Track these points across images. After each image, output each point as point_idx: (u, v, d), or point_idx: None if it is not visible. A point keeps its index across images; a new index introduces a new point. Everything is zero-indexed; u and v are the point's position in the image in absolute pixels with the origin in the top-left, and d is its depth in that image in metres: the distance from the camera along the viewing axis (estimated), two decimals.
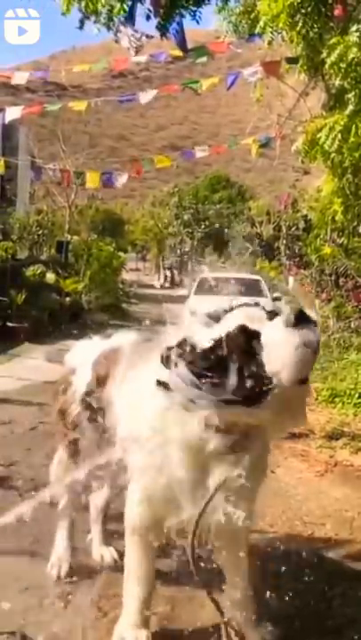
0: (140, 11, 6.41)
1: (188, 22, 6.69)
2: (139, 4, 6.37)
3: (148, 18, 6.47)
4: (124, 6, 6.19)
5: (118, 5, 6.11)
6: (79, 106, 8.92)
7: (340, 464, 4.67)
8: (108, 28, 6.21)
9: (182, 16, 6.53)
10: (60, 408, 2.75)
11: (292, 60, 6.53)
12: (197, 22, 6.65)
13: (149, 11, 6.40)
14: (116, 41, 6.58)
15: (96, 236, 19.48)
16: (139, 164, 10.38)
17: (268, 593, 2.33)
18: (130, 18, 6.40)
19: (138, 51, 6.87)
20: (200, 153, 10.42)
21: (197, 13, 6.50)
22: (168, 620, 2.41)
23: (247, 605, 2.17)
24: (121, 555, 2.47)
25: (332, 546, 3.20)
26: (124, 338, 2.62)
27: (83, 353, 2.76)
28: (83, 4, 5.97)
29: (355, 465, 4.67)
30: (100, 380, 2.49)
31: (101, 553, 2.90)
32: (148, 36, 6.64)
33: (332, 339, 8.76)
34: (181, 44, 6.75)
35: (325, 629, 2.38)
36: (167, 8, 6.35)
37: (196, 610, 2.38)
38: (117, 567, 2.61)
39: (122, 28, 6.33)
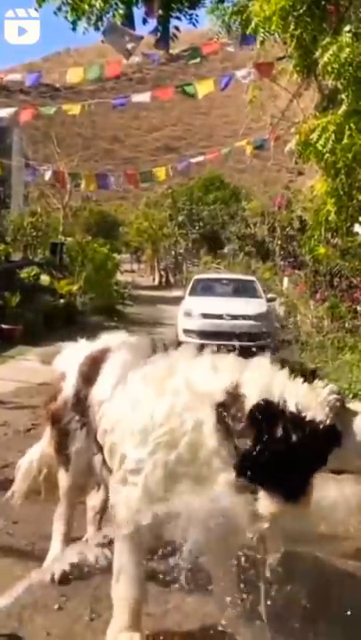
0: (137, 14, 6.44)
1: (181, 23, 6.71)
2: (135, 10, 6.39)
3: (144, 22, 6.49)
4: (120, 12, 6.20)
5: (121, 12, 6.13)
6: (73, 110, 8.93)
7: None
8: (97, 29, 6.20)
9: (179, 19, 6.55)
10: (52, 413, 2.75)
11: (283, 57, 6.55)
12: (194, 25, 6.68)
13: (146, 14, 6.42)
14: (103, 41, 6.58)
15: (90, 237, 19.40)
16: (134, 167, 10.49)
17: (262, 594, 2.32)
18: (130, 23, 6.41)
19: (130, 54, 6.88)
20: (195, 160, 10.54)
21: (193, 16, 6.53)
22: (161, 621, 2.39)
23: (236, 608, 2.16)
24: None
25: (325, 546, 3.20)
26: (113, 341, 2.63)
27: (70, 357, 2.76)
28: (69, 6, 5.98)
29: None
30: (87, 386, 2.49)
31: (97, 554, 2.89)
32: (138, 38, 6.65)
33: (327, 339, 8.77)
34: (164, 44, 6.75)
35: (319, 630, 2.38)
36: (163, 11, 6.36)
37: (189, 611, 2.37)
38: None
39: (110, 28, 6.32)
